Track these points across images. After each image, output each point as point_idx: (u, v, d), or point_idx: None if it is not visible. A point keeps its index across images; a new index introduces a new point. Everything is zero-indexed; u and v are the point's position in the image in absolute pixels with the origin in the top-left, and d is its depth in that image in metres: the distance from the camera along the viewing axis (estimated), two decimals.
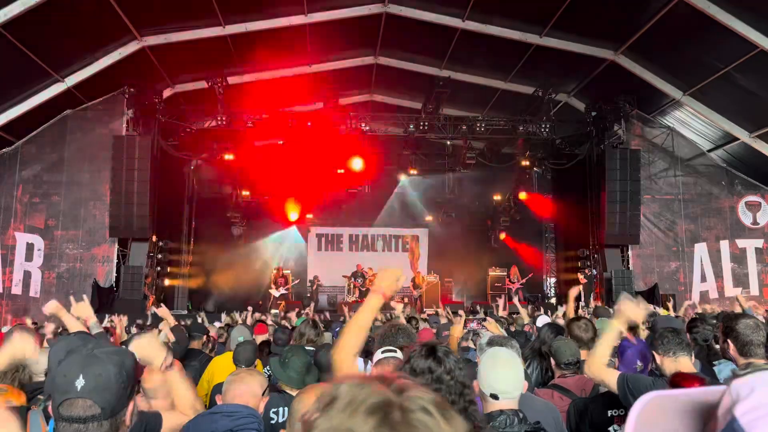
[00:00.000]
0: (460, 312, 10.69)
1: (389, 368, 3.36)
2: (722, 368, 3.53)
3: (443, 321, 7.19)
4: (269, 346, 5.55)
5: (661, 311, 8.03)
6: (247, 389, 2.70)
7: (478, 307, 12.84)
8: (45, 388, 2.77)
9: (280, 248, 18.43)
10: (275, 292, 16.58)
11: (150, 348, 2.21)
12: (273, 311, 14.55)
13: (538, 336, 4.86)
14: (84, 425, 1.43)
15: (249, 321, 8.42)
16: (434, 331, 6.36)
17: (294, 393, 3.33)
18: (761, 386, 0.69)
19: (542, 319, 5.83)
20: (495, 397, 2.24)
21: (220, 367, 4.67)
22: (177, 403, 2.22)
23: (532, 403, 2.89)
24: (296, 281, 17.87)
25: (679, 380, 2.28)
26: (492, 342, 3.40)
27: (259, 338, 6.07)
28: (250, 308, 10.21)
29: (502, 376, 2.28)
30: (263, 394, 2.76)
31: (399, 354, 3.37)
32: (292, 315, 9.65)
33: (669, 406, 0.86)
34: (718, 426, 0.73)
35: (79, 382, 1.43)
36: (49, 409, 1.49)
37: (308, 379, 3.44)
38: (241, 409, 2.57)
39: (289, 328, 6.64)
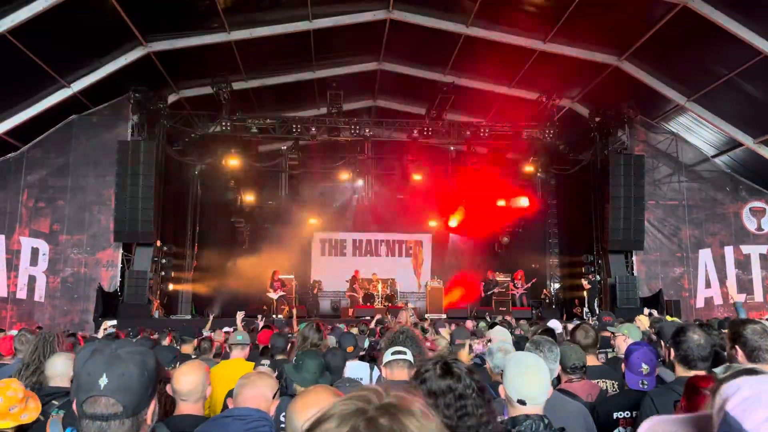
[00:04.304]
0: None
1: (399, 370, 3.35)
2: None
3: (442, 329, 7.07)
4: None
5: (667, 317, 8.02)
6: (258, 392, 2.71)
7: (488, 316, 12.77)
8: (71, 393, 2.77)
9: (283, 253, 18.41)
10: (273, 296, 16.45)
11: None
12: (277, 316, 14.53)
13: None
14: (106, 423, 1.46)
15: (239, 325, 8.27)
16: (439, 347, 6.31)
17: None
18: (745, 384, 0.80)
19: (552, 323, 5.83)
20: (522, 402, 2.22)
21: (226, 373, 4.65)
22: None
23: (563, 404, 2.86)
24: (290, 294, 17.31)
25: (697, 381, 2.31)
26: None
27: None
28: (239, 313, 9.56)
29: (530, 381, 2.26)
30: (274, 397, 2.77)
31: (409, 356, 3.36)
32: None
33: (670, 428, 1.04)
34: (713, 426, 0.83)
35: (103, 381, 1.46)
36: (74, 407, 1.51)
37: (321, 381, 3.42)
38: (253, 413, 2.58)
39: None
